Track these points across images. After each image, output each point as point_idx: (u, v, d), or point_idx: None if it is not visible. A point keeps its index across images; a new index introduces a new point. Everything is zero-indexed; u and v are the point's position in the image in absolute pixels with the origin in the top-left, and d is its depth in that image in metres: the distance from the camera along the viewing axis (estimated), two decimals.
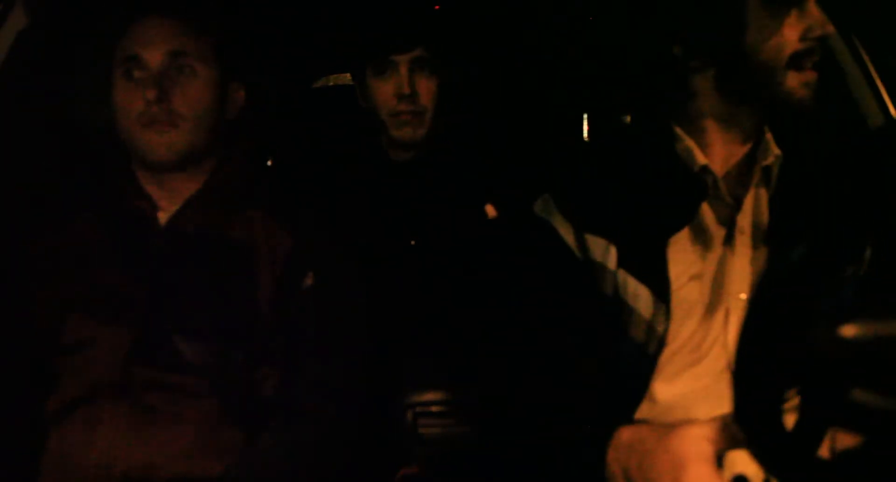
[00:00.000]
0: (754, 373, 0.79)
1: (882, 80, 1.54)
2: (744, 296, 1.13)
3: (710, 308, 1.13)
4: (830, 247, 0.95)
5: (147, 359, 1.21)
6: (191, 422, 1.20)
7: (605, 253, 1.14)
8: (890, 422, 0.59)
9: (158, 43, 1.25)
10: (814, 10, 1.07)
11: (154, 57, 1.24)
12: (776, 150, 1.17)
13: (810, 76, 1.09)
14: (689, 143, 1.16)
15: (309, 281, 1.28)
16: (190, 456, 1.19)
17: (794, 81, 1.09)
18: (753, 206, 1.16)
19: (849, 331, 0.65)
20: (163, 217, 1.30)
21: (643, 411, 1.14)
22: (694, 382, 1.13)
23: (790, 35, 1.07)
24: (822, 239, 0.99)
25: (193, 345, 1.22)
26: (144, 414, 1.19)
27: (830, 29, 1.07)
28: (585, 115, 2.22)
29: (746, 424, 0.74)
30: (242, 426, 1.23)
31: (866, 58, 1.55)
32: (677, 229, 1.14)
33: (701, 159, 1.14)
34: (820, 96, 1.09)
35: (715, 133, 1.16)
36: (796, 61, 1.08)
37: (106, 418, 1.19)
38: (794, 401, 0.74)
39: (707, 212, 1.15)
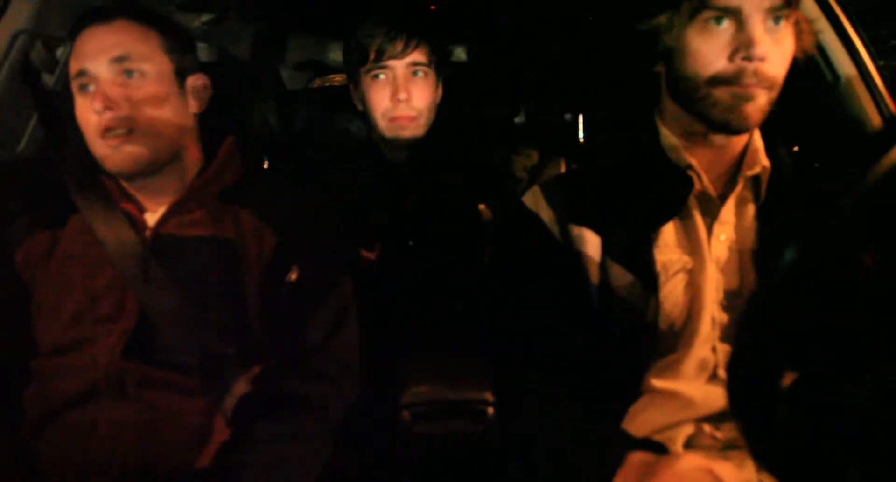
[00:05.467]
0: (749, 373, 0.79)
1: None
2: (725, 302, 1.13)
3: (697, 305, 1.13)
4: (820, 258, 0.95)
5: (140, 357, 1.22)
6: (184, 419, 1.21)
7: (590, 243, 1.15)
8: (879, 417, 0.59)
9: (100, 52, 1.22)
10: (751, 33, 1.04)
11: (98, 67, 1.22)
12: (764, 162, 1.16)
13: (743, 91, 1.06)
14: (673, 139, 1.16)
15: (293, 276, 1.28)
16: (183, 452, 1.19)
17: (721, 94, 1.07)
18: (737, 214, 1.16)
19: None
20: (150, 219, 1.30)
21: (641, 404, 1.14)
22: (688, 379, 1.13)
23: (715, 55, 1.06)
24: (811, 250, 0.98)
25: (185, 343, 1.23)
26: (138, 412, 1.19)
27: (760, 52, 1.04)
28: (581, 116, 2.22)
29: (743, 422, 0.74)
30: (234, 421, 1.22)
31: (867, 58, 1.54)
32: (663, 222, 1.15)
33: (686, 159, 1.15)
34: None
35: (696, 136, 1.15)
36: (722, 80, 1.07)
37: (100, 416, 1.19)
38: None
39: (693, 209, 1.16)
